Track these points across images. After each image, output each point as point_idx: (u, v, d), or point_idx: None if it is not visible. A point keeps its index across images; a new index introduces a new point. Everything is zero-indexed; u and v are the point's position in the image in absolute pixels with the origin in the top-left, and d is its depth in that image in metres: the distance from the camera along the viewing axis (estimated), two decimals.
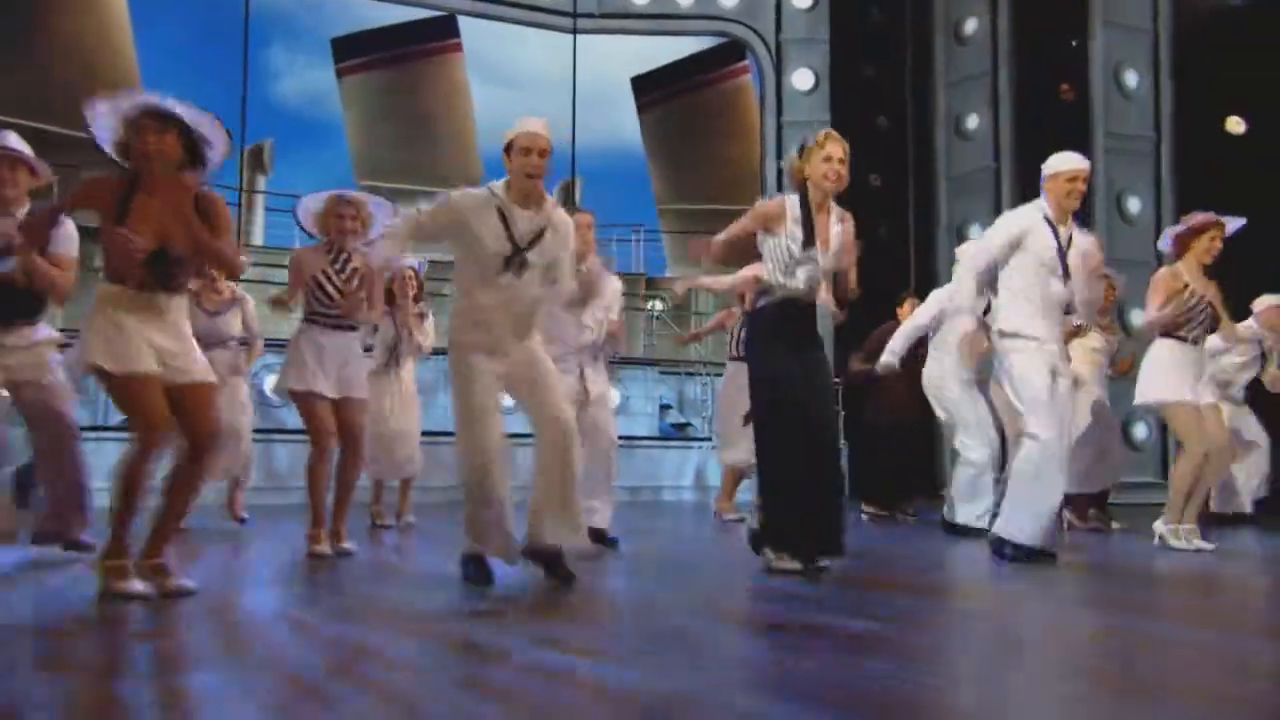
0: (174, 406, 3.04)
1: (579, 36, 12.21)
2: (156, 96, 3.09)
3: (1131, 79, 9.59)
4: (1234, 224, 4.89)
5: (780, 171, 11.85)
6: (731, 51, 12.37)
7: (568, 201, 12.99)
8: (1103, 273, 6.09)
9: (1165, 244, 5.00)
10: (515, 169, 3.34)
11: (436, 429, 6.80)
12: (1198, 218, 4.88)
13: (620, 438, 9.48)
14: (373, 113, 12.14)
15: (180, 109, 3.07)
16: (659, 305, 12.02)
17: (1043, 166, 4.31)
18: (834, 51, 11.69)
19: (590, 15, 12.30)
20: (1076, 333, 6.09)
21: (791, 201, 3.71)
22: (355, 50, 11.80)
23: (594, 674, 2.14)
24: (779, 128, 11.99)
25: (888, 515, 6.74)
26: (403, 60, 12.01)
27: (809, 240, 3.64)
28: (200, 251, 3.11)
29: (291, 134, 11.32)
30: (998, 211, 10.50)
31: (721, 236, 3.82)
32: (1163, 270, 4.93)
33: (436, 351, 6.09)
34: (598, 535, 4.39)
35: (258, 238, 11.42)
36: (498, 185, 3.42)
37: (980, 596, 3.52)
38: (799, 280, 3.67)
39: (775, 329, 3.72)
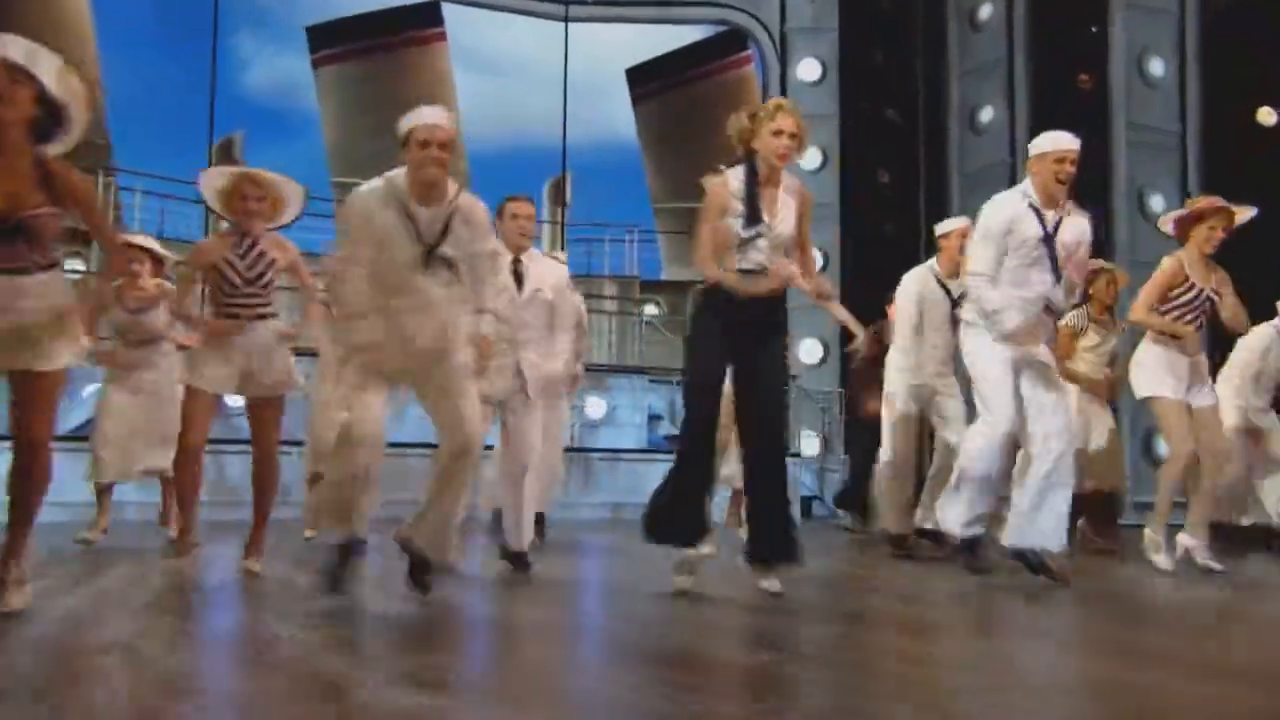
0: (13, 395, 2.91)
1: (571, 25, 12.02)
2: (21, 49, 2.89)
3: (1156, 67, 9.31)
4: (1245, 213, 4.67)
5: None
6: (733, 41, 12.16)
7: (558, 200, 12.84)
8: (1103, 266, 5.90)
9: (1169, 229, 4.82)
10: (414, 163, 3.21)
11: (407, 440, 6.65)
12: (1200, 203, 4.71)
13: (605, 450, 9.41)
14: (350, 105, 11.99)
15: (43, 70, 2.88)
16: (652, 310, 11.81)
17: (1029, 146, 4.16)
18: (842, 40, 11.46)
19: (583, 2, 12.12)
20: (1072, 344, 5.82)
21: (734, 174, 3.56)
22: (332, 39, 11.67)
23: (439, 712, 1.93)
24: None
25: (864, 530, 6.49)
26: (382, 49, 11.88)
27: (753, 217, 3.48)
28: (51, 228, 2.92)
29: (260, 125, 11.21)
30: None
31: (705, 255, 3.59)
32: (1168, 258, 4.74)
33: None
34: (516, 555, 4.31)
35: None
36: (398, 177, 3.26)
37: (919, 628, 3.31)
38: (749, 261, 3.51)
39: (723, 316, 3.55)
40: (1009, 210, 4.06)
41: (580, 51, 11.98)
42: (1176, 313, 4.65)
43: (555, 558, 5.03)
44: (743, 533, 6.49)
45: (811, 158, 11.62)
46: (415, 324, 3.26)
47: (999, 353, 4.05)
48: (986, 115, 10.49)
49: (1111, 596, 4.17)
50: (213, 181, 4.20)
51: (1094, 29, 9.37)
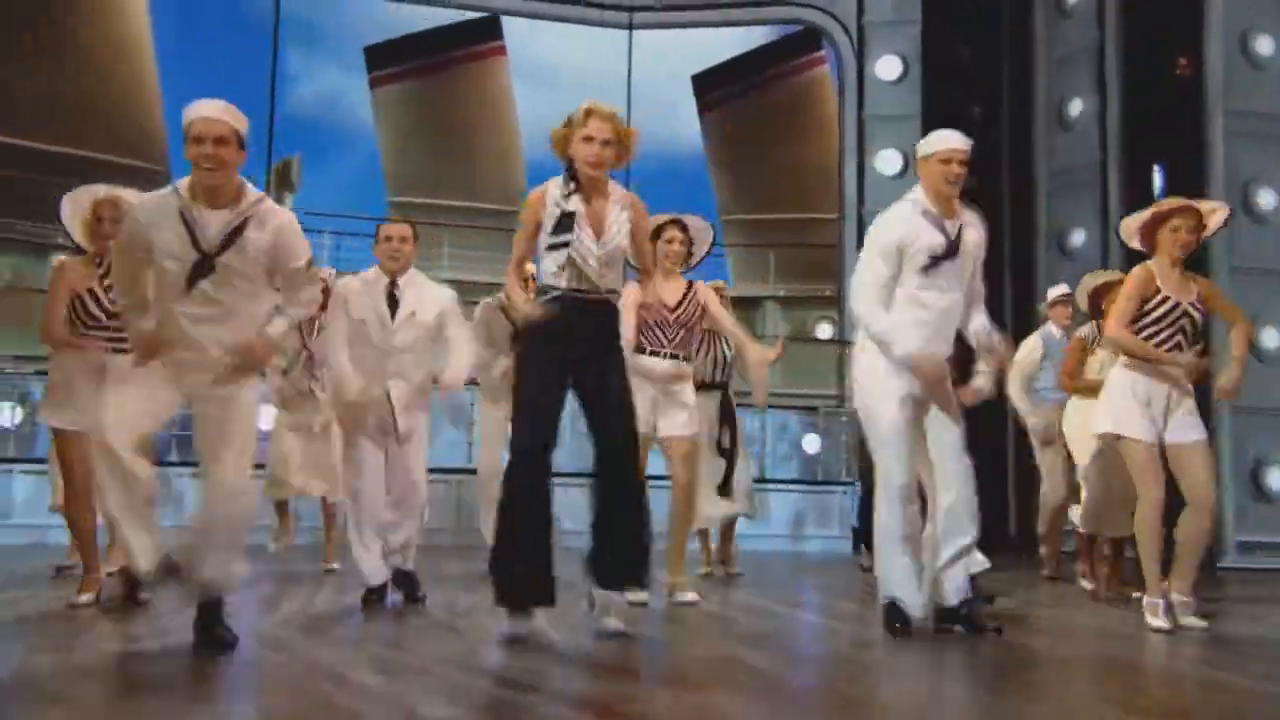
0: None
1: (635, 32, 11.95)
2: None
3: (1264, 45, 8.44)
4: (1216, 212, 4.23)
5: (861, 172, 11.24)
6: (805, 41, 11.86)
7: None
8: (1120, 277, 5.36)
9: (1135, 243, 4.38)
10: (191, 161, 3.09)
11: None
12: (1163, 204, 4.27)
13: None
14: (408, 124, 12.28)
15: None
16: None
17: (917, 147, 3.86)
18: (925, 33, 10.99)
19: (648, 8, 12.03)
20: (1082, 356, 5.34)
21: (555, 183, 3.52)
22: (390, 59, 12.01)
23: None
24: (860, 123, 11.35)
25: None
26: (441, 67, 12.14)
27: (562, 224, 3.41)
28: None
29: (308, 143, 11.58)
30: (1104, 215, 9.51)
31: (509, 269, 3.66)
32: (1137, 268, 4.27)
33: None
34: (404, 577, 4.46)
35: None
36: (182, 183, 3.15)
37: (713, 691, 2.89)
38: (567, 275, 3.46)
39: (546, 338, 3.49)
40: (900, 229, 3.72)
41: (643, 59, 11.89)
42: (1149, 330, 4.17)
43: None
44: (725, 570, 6.24)
45: (890, 162, 11.15)
46: (207, 332, 3.14)
47: (893, 390, 3.70)
48: (1075, 108, 9.79)
49: (1046, 664, 3.58)
50: (80, 211, 4.14)
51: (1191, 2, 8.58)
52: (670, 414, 4.71)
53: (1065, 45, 10.00)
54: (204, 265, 3.07)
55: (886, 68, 11.22)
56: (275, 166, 10.82)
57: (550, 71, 12.23)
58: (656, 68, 12.01)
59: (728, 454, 5.92)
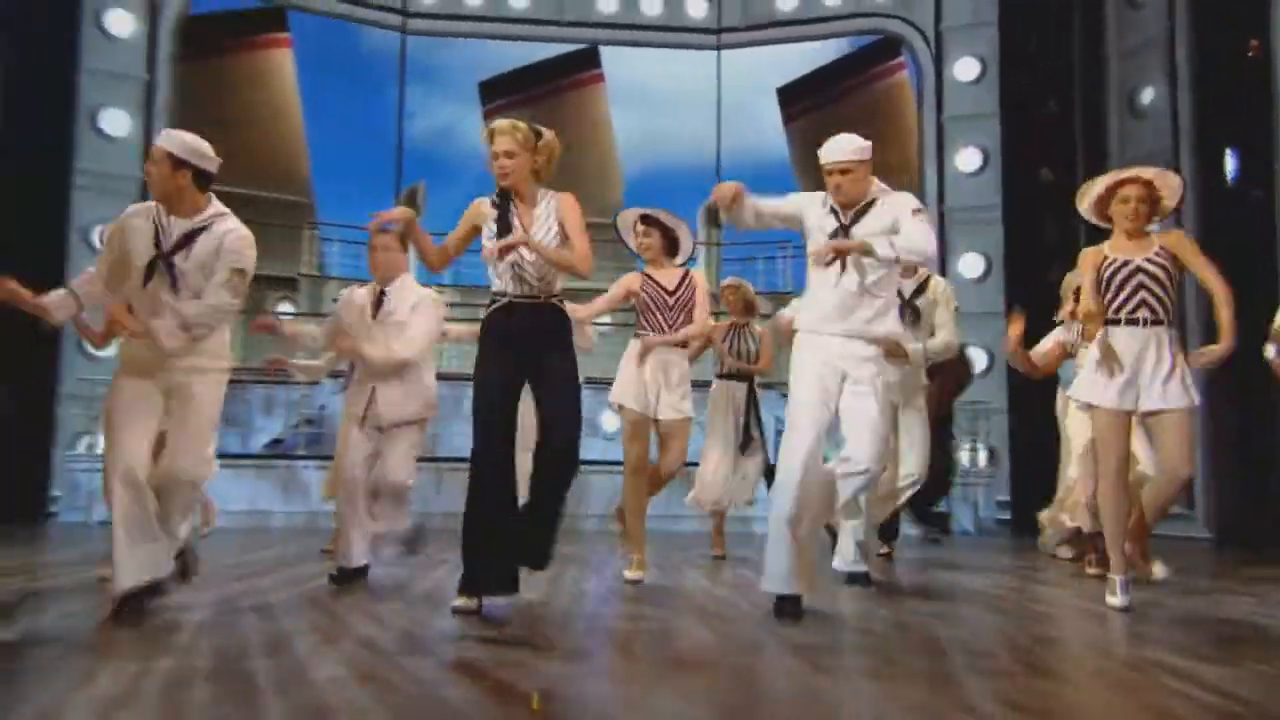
0: None
1: (723, 51, 12.43)
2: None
3: None
4: (1167, 180, 4.04)
5: (942, 171, 11.42)
6: (884, 49, 12.08)
7: (713, 221, 13.21)
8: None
9: (1093, 218, 4.21)
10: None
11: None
12: (1118, 175, 4.11)
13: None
14: None
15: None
16: None
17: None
18: (1002, 34, 11.11)
19: (734, 29, 12.49)
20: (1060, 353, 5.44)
21: (492, 195, 3.67)
22: (501, 91, 12.86)
23: None
24: (939, 126, 11.51)
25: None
26: (547, 96, 12.91)
27: (502, 233, 3.53)
28: None
29: (428, 172, 12.48)
30: (1177, 208, 9.43)
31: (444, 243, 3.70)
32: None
33: None
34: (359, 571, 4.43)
35: None
36: None
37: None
38: (509, 280, 3.59)
39: (495, 340, 3.61)
40: (806, 202, 3.80)
41: (729, 75, 12.35)
42: (1112, 293, 3.97)
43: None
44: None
45: (971, 159, 11.30)
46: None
47: (814, 367, 3.63)
48: (1147, 97, 9.80)
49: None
50: None
51: None
52: (668, 397, 4.76)
53: (1136, 35, 10.01)
54: (156, 263, 3.34)
55: (965, 69, 11.37)
56: (402, 194, 11.75)
57: (643, 92, 12.87)
58: (743, 83, 12.46)
59: (758, 441, 6.06)
